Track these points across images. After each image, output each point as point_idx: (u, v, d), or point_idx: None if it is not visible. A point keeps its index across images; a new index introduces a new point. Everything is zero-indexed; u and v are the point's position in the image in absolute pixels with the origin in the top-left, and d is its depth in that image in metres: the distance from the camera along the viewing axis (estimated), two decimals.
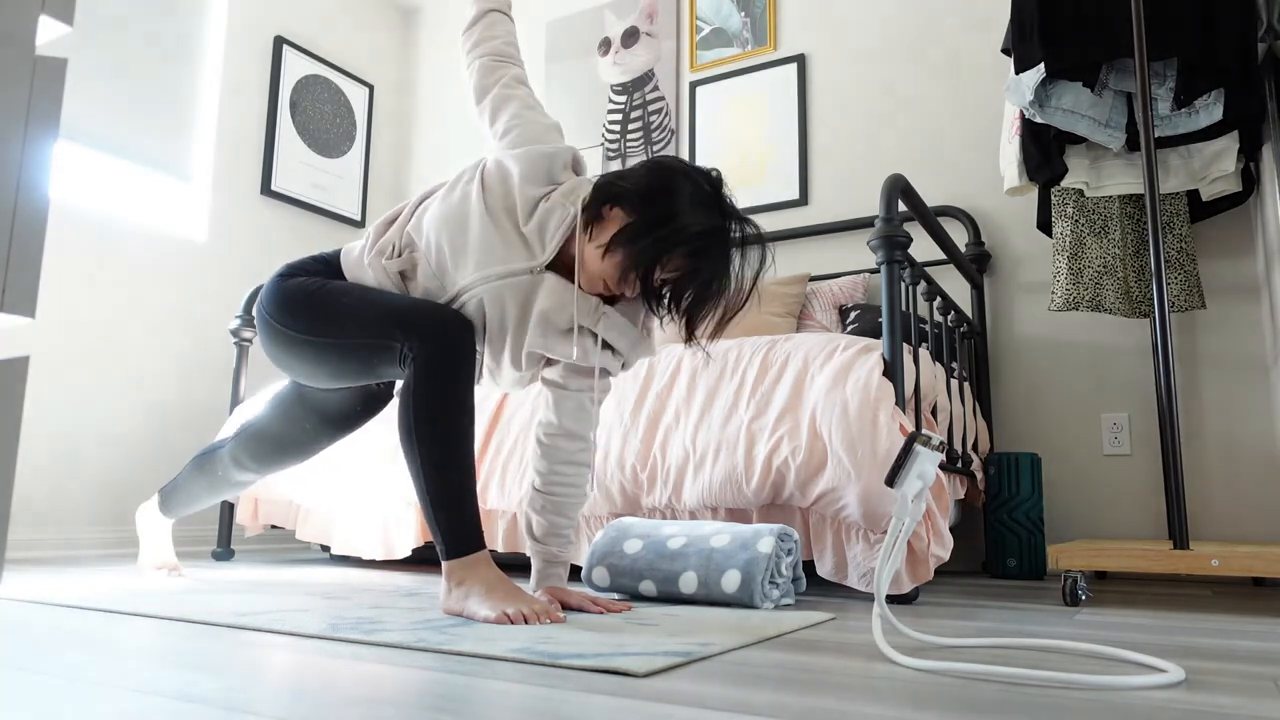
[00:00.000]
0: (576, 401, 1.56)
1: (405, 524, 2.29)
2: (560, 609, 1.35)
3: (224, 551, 2.73)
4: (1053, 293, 2.44)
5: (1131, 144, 2.36)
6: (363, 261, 1.55)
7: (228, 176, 3.38)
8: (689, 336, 1.42)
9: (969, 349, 2.65)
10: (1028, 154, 2.41)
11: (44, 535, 2.70)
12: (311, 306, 1.49)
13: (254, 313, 1.57)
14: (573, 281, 1.45)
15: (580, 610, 1.45)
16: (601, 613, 1.44)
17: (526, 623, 1.27)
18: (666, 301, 1.43)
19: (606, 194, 1.41)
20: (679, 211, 1.35)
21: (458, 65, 4.12)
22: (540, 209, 1.44)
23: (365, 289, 1.50)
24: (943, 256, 2.86)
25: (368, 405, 1.73)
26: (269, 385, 3.40)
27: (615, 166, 3.54)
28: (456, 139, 4.06)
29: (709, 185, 1.40)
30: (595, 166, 3.59)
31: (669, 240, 1.35)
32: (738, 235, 1.41)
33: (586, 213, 1.42)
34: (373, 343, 1.42)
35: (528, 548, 1.59)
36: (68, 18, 0.62)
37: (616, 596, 1.73)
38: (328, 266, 1.59)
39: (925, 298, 2.11)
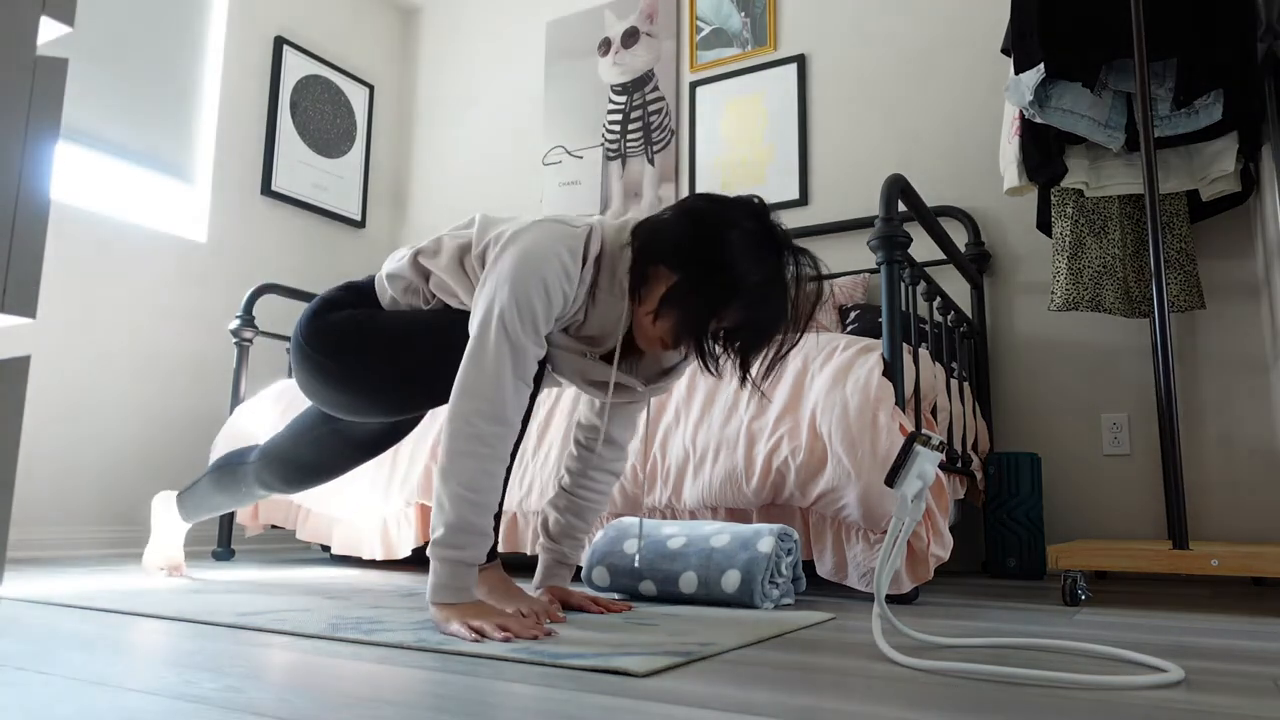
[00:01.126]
0: (626, 411, 1.55)
1: (405, 524, 2.29)
2: (561, 608, 1.35)
3: (224, 551, 2.73)
4: (1052, 293, 2.44)
5: (1131, 144, 2.35)
6: (398, 301, 1.49)
7: (228, 176, 3.38)
8: (744, 377, 1.34)
9: (969, 349, 2.65)
10: (1027, 154, 2.41)
11: (44, 535, 2.70)
12: (365, 340, 1.42)
13: (292, 348, 1.51)
14: (629, 343, 1.42)
15: (581, 610, 1.45)
16: (602, 612, 1.44)
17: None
18: (721, 346, 1.35)
19: (649, 256, 1.31)
20: (727, 263, 1.25)
21: (458, 65, 4.12)
22: (592, 317, 1.36)
23: (414, 316, 1.43)
24: (943, 256, 2.86)
25: (399, 426, 1.66)
26: (269, 385, 3.40)
27: (615, 166, 3.54)
28: (456, 139, 4.06)
29: (753, 221, 1.28)
30: (595, 166, 3.59)
31: (721, 296, 1.26)
32: (792, 269, 1.30)
33: (631, 277, 1.32)
34: (437, 370, 1.37)
35: (539, 545, 1.58)
36: (68, 18, 0.62)
37: (616, 596, 1.73)
38: (363, 296, 1.52)
39: (925, 298, 2.11)
